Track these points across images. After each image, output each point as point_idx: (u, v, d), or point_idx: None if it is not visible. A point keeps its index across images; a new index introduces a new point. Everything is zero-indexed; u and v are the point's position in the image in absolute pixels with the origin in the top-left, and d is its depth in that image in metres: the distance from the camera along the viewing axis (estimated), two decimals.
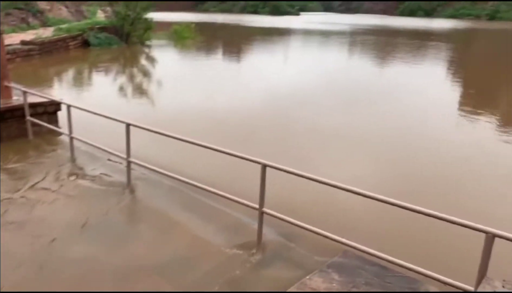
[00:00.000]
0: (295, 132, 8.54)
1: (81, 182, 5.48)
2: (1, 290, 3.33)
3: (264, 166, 3.77)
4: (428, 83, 15.40)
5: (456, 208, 5.06)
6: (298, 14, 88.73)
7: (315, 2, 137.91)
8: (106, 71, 16.50)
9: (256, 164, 3.81)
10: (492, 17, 77.32)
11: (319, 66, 19.53)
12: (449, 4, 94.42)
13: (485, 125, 9.77)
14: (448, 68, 20.15)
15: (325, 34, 39.22)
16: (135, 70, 17.57)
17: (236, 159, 4.03)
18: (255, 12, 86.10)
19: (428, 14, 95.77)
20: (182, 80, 14.13)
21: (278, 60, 21.33)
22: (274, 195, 4.06)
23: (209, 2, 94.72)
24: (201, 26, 33.93)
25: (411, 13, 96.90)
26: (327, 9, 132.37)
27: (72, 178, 5.58)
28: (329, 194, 4.29)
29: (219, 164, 5.50)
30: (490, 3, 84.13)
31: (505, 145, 8.42)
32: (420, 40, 34.37)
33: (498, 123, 10.07)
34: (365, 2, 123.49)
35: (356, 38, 35.83)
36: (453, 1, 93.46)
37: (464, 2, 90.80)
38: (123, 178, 5.40)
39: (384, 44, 31.96)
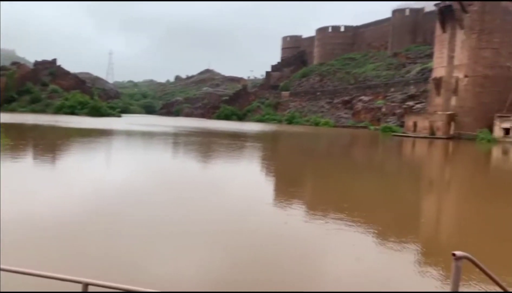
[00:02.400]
0: (124, 235, 7.89)
1: None
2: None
3: (86, 285, 2.79)
4: (252, 177, 16.83)
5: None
6: (119, 116, 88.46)
7: (136, 105, 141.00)
8: None
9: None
10: (290, 121, 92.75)
11: (144, 166, 19.30)
12: (257, 111, 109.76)
13: (276, 211, 10.99)
14: (263, 163, 22.63)
15: (149, 135, 39.83)
16: None
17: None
18: (73, 113, 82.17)
19: (240, 118, 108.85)
20: None
21: (101, 161, 20.24)
22: None
23: (15, 102, 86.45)
24: (7, 127, 30.14)
25: (226, 117, 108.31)
26: (149, 112, 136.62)
27: None
28: None
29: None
30: (288, 110, 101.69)
31: (307, 227, 9.54)
32: (238, 140, 38.22)
33: (307, 207, 11.49)
34: (185, 107, 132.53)
35: (181, 139, 37.43)
36: (260, 109, 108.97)
37: (268, 109, 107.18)
38: None
39: (207, 143, 34.16)
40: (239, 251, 7.55)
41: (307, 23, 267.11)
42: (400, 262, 7.63)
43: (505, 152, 39.66)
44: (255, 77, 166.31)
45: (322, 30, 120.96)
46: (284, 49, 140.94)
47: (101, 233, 8.07)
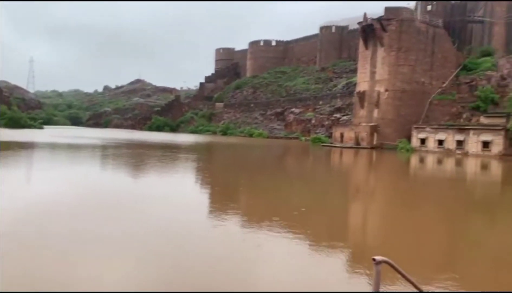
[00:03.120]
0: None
1: None
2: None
3: None
4: (183, 189, 16.65)
5: None
6: (41, 128, 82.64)
7: (60, 115, 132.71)
8: None
9: None
10: (224, 133, 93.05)
11: (67, 180, 18.25)
12: (190, 122, 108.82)
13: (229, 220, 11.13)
14: (197, 175, 22.50)
15: (75, 148, 37.69)
16: None
17: None
18: None
19: (173, 129, 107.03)
20: None
21: (17, 177, 18.79)
22: None
23: None
24: None
25: (159, 129, 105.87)
26: (76, 123, 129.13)
27: None
28: None
29: None
30: (222, 121, 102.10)
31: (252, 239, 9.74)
32: (171, 152, 37.54)
33: (244, 218, 11.67)
34: (115, 118, 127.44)
35: (110, 151, 35.89)
36: (193, 120, 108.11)
37: (202, 120, 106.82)
38: None
39: (138, 155, 33.12)
40: (165, 262, 7.49)
41: (239, 36, 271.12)
42: (327, 267, 8.04)
43: (421, 160, 43.25)
44: (189, 88, 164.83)
45: (254, 44, 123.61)
46: (217, 61, 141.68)
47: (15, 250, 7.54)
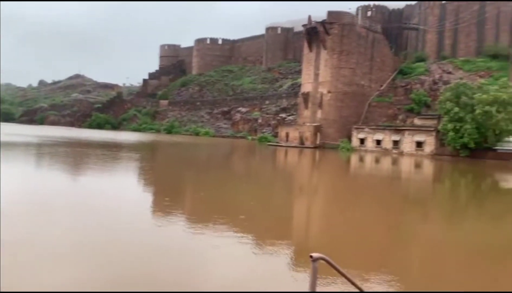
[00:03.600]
0: None
1: None
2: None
3: None
4: (127, 189, 16.09)
5: None
6: None
7: None
8: None
9: None
10: (169, 131, 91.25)
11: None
12: (133, 120, 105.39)
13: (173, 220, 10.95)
14: (141, 175, 21.86)
15: (6, 146, 35.05)
16: None
17: None
18: None
19: (115, 127, 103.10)
20: None
21: None
22: None
23: None
24: None
25: (99, 126, 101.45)
26: (7, 119, 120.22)
27: None
28: None
29: None
30: (167, 119, 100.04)
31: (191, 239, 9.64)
32: (112, 151, 36.10)
33: (189, 218, 11.52)
34: (51, 115, 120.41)
35: (46, 150, 33.80)
36: (136, 118, 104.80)
37: (146, 117, 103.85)
38: None
39: (77, 155, 31.52)
40: (107, 266, 7.22)
41: (185, 32, 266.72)
42: (270, 265, 8.16)
43: (360, 159, 45.26)
44: (131, 85, 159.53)
45: (200, 41, 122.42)
46: (162, 57, 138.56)
47: None
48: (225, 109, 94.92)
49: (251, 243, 9.39)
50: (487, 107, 42.22)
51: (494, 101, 42.52)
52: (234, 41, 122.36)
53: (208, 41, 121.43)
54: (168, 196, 15.84)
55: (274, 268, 7.97)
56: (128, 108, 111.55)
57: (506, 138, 44.90)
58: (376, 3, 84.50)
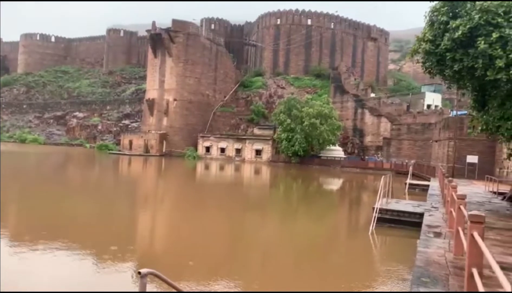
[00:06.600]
0: None
1: None
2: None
3: None
4: None
5: None
6: None
7: None
8: None
9: None
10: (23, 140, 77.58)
11: None
12: None
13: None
14: None
15: None
16: None
17: None
18: None
19: None
20: None
21: None
22: None
23: None
24: None
25: None
26: None
27: None
28: None
29: None
30: None
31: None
32: None
33: (15, 237, 10.07)
34: None
35: None
36: None
37: None
38: None
39: None
40: None
41: (8, 25, 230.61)
42: (111, 278, 7.78)
43: (206, 167, 46.52)
44: None
45: (28, 36, 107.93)
46: None
47: None
48: (59, 113, 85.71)
49: (91, 259, 8.76)
50: (313, 120, 48.38)
51: (318, 115, 49.00)
52: (70, 40, 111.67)
53: (37, 37, 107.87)
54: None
55: (108, 286, 7.61)
56: None
57: (328, 147, 52.21)
58: (219, 17, 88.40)
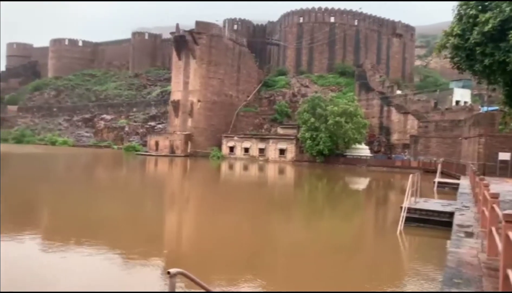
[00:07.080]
0: None
1: None
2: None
3: None
4: None
5: None
6: None
7: None
8: None
9: None
10: (19, 141, 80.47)
11: None
12: None
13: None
14: None
15: None
16: None
17: None
18: None
19: None
20: None
21: None
22: None
23: None
24: None
25: None
26: None
27: None
28: None
29: None
30: (16, 127, 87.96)
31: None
32: None
33: (42, 237, 10.43)
34: None
35: None
36: None
37: None
38: None
39: None
40: None
41: (38, 31, 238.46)
42: (141, 278, 7.94)
43: (230, 166, 46.79)
44: None
45: (57, 42, 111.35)
46: (10, 57, 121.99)
47: None
48: (87, 116, 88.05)
49: (121, 257, 8.97)
50: (337, 118, 47.87)
51: (343, 113, 48.42)
52: (96, 44, 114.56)
53: (66, 42, 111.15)
54: (21, 216, 14.05)
55: (143, 281, 7.76)
56: None
57: (353, 146, 51.53)
58: (242, 17, 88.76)
